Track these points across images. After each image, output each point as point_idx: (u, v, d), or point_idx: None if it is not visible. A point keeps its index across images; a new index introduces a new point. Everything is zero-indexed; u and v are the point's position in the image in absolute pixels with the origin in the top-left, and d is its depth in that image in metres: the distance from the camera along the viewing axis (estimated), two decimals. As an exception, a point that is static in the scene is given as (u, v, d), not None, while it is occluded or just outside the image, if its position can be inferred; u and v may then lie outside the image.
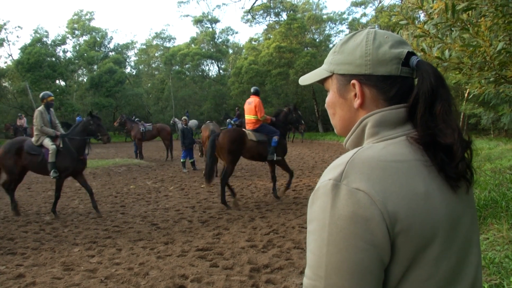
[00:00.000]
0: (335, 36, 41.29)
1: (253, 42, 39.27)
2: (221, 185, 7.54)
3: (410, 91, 0.85)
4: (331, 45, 36.06)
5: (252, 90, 8.27)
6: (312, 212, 0.78)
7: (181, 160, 12.93)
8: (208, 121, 12.42)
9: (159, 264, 4.57)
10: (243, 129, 8.03)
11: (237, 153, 7.72)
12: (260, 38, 39.28)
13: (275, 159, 7.72)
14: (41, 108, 7.22)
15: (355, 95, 0.89)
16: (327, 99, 0.98)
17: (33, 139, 7.18)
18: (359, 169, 0.76)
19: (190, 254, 4.90)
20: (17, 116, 24.85)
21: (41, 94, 7.39)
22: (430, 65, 0.85)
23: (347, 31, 34.67)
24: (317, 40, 35.36)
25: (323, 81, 0.98)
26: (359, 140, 0.90)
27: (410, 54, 0.87)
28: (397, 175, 0.75)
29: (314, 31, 35.87)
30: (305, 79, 1.05)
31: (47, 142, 7.07)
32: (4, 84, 37.30)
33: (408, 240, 0.72)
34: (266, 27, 37.04)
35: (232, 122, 17.98)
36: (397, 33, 2.96)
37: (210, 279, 4.07)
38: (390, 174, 0.75)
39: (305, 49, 32.67)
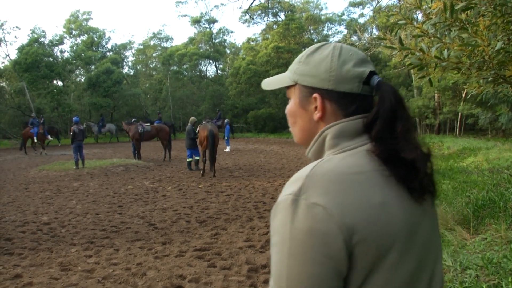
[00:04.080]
0: (333, 36, 41.34)
1: (251, 42, 39.30)
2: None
3: (369, 108, 0.89)
4: (329, 45, 36.14)
5: None
6: (274, 225, 0.81)
7: (187, 160, 12.94)
8: (204, 121, 12.37)
9: (157, 265, 4.56)
10: None
11: None
12: (258, 38, 39.32)
13: None
14: None
15: (316, 107, 0.91)
16: (288, 107, 0.99)
17: None
18: (318, 183, 0.78)
19: (188, 254, 4.89)
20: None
21: None
22: (390, 85, 0.88)
23: (345, 31, 34.74)
24: (315, 40, 35.40)
25: (286, 88, 1.00)
26: (320, 151, 0.92)
27: (372, 73, 0.90)
28: (354, 188, 0.78)
29: (312, 31, 35.94)
30: (269, 84, 1.07)
31: None
32: (1, 84, 37.15)
33: (366, 249, 0.75)
34: (264, 26, 37.09)
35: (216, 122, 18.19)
36: (396, 34, 2.97)
37: (208, 279, 4.06)
38: (348, 187, 0.77)
39: (303, 49, 32.70)
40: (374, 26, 28.29)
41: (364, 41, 26.21)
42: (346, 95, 0.89)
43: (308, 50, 0.96)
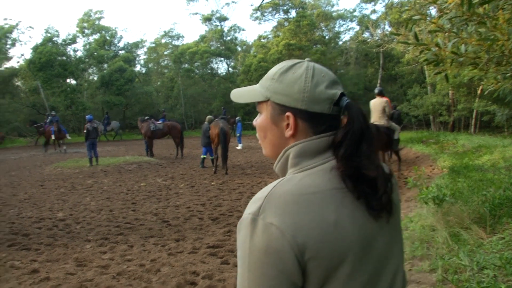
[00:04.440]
0: (345, 33, 41.16)
1: (262, 40, 39.19)
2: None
3: (336, 127, 0.94)
4: (340, 42, 35.92)
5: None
6: (238, 240, 0.88)
7: (201, 157, 12.97)
8: (216, 119, 12.39)
9: (171, 261, 4.58)
10: None
11: None
12: (269, 36, 39.17)
13: None
14: None
15: (287, 125, 0.95)
16: (259, 121, 1.02)
17: None
18: (275, 204, 0.84)
19: (201, 251, 4.91)
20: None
21: None
22: (358, 107, 0.94)
23: (357, 28, 34.44)
24: (327, 37, 35.22)
25: (256, 102, 1.03)
26: (284, 168, 0.97)
27: (341, 95, 0.95)
28: (309, 208, 0.83)
29: (323, 28, 35.71)
30: (239, 96, 1.09)
31: None
32: (16, 84, 37.67)
33: (318, 264, 0.81)
34: (275, 24, 36.96)
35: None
36: (410, 29, 2.93)
37: (221, 276, 4.08)
38: (303, 207, 0.83)
39: (315, 46, 32.56)
40: (386, 22, 27.99)
41: (377, 38, 26.01)
42: (318, 115, 0.93)
43: (280, 67, 0.98)
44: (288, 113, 0.94)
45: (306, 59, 1.00)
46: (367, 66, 33.65)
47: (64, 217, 6.87)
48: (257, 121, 1.03)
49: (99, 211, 7.27)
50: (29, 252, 5.08)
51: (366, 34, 30.04)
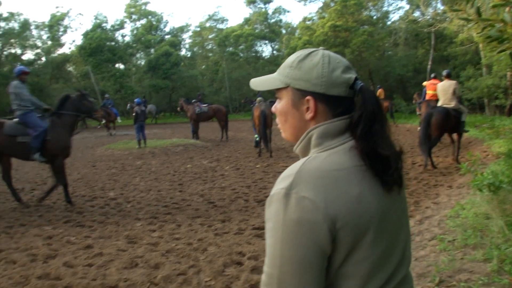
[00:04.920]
0: (394, 13, 39.67)
1: (307, 22, 38.49)
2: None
3: (351, 110, 1.02)
4: (389, 23, 34.61)
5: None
6: (268, 213, 0.95)
7: (255, 137, 12.95)
8: (257, 102, 12.42)
9: (217, 241, 4.65)
10: None
11: None
12: (315, 17, 38.35)
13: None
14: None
15: (307, 108, 1.03)
16: (279, 107, 1.11)
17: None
18: (306, 179, 0.92)
19: (246, 233, 4.95)
20: None
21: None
22: (371, 90, 1.03)
23: (407, 7, 33.05)
24: (375, 17, 33.99)
25: (275, 89, 1.11)
26: (306, 148, 1.05)
27: (355, 79, 1.03)
28: (336, 183, 0.92)
29: (371, 8, 34.51)
30: (259, 84, 1.18)
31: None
32: (69, 69, 39.31)
33: (347, 234, 0.90)
34: (321, 5, 36.11)
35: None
36: (472, 4, 2.74)
37: (267, 257, 4.09)
38: (331, 182, 0.92)
39: (362, 27, 31.59)
40: (438, 1, 26.67)
41: (428, 17, 24.90)
42: (335, 98, 1.02)
43: (298, 56, 1.07)
44: (308, 97, 1.02)
45: (320, 47, 1.09)
46: (417, 47, 32.24)
47: (115, 196, 7.14)
48: (278, 106, 1.11)
49: (148, 191, 7.51)
50: (83, 229, 5.32)
51: (417, 13, 28.79)
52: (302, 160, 0.98)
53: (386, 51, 33.16)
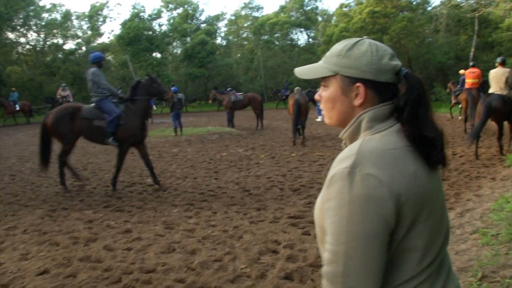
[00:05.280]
0: (435, -3, 38.04)
1: (344, 8, 37.69)
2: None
3: (395, 95, 1.09)
4: (430, 8, 33.38)
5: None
6: (330, 193, 0.99)
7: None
8: (303, 91, 12.51)
9: (252, 229, 4.66)
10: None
11: None
12: (352, 4, 37.48)
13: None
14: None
15: (356, 94, 1.08)
16: (326, 94, 1.15)
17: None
18: (367, 158, 0.97)
19: (282, 221, 4.93)
20: (59, 87, 21.48)
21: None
22: (416, 76, 1.08)
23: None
24: (414, 2, 32.86)
25: (322, 78, 1.15)
26: (356, 133, 1.10)
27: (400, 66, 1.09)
28: (395, 160, 0.98)
29: (411, -7, 33.35)
30: (303, 73, 1.22)
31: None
32: (108, 58, 40.30)
33: (408, 208, 0.96)
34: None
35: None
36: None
37: (302, 247, 4.06)
38: (391, 160, 0.97)
39: (401, 13, 30.61)
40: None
41: (471, 1, 23.83)
42: (383, 84, 1.07)
43: (345, 45, 1.11)
44: (358, 84, 1.07)
45: (365, 37, 1.14)
46: (459, 33, 30.99)
47: (153, 182, 7.27)
48: (323, 94, 1.16)
49: (184, 178, 7.61)
50: (122, 214, 5.46)
51: (459, -1, 27.60)
52: (358, 142, 1.04)
53: (426, 38, 32.06)
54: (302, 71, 1.23)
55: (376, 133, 1.04)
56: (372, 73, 1.06)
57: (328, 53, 1.15)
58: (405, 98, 1.05)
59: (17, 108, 22.58)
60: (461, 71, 14.63)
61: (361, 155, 0.97)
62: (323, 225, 1.05)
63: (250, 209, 5.53)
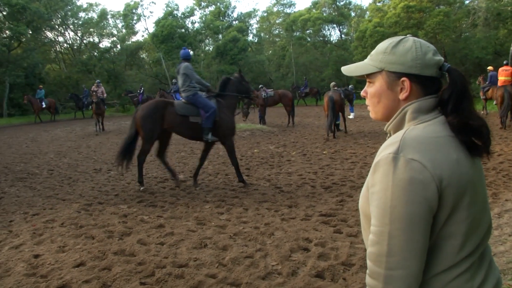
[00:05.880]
0: (474, -10, 36.76)
1: (378, 3, 36.97)
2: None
3: (439, 89, 1.14)
4: (467, 2, 32.27)
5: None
6: (375, 178, 1.05)
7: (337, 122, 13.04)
8: (331, 89, 12.56)
9: (284, 226, 4.64)
10: None
11: None
12: (386, -2, 36.80)
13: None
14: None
15: (401, 89, 1.14)
16: (373, 89, 1.20)
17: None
18: (411, 144, 1.02)
19: (313, 219, 4.89)
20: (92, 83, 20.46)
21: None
22: (458, 70, 1.13)
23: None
24: (452, -4, 31.87)
25: (367, 75, 1.21)
26: (400, 124, 1.15)
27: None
28: (438, 147, 1.03)
29: (448, -14, 32.35)
30: (350, 71, 1.28)
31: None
32: (142, 56, 41.11)
33: (450, 193, 1.00)
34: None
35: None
36: None
37: (334, 245, 4.02)
38: (433, 147, 1.02)
39: (437, 7, 29.74)
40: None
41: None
42: (428, 78, 1.12)
43: (390, 42, 1.17)
44: (403, 78, 1.13)
45: (408, 35, 1.20)
46: (499, 28, 29.81)
47: (185, 178, 7.37)
48: (370, 90, 1.21)
49: (215, 175, 7.67)
50: (156, 209, 5.55)
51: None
52: (402, 131, 1.09)
53: (463, 33, 31.02)
54: (350, 69, 1.29)
55: (420, 124, 1.10)
56: (417, 67, 1.11)
57: (373, 52, 1.21)
58: (449, 91, 1.10)
59: (44, 106, 22.90)
60: (489, 68, 15.64)
61: (405, 141, 1.03)
62: (368, 213, 1.11)
63: (282, 206, 5.51)
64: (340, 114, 13.00)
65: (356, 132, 13.60)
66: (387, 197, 1.00)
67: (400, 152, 1.01)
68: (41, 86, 23.99)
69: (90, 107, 17.22)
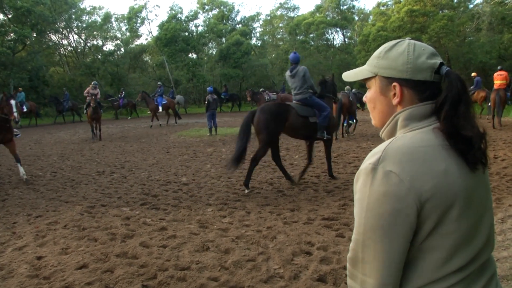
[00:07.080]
0: (478, -5, 36.79)
1: (381, 7, 37.03)
2: None
3: (438, 93, 1.08)
4: (471, 6, 32.29)
5: None
6: (356, 187, 1.05)
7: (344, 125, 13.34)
8: (344, 91, 12.82)
9: (286, 230, 4.64)
10: None
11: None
12: (389, 2, 36.83)
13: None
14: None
15: (394, 94, 1.11)
16: (368, 95, 1.20)
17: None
18: (392, 155, 0.99)
19: (316, 223, 4.89)
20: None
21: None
22: (456, 74, 1.06)
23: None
24: (455, 0, 31.89)
25: (365, 80, 1.20)
26: (393, 131, 1.13)
27: (441, 64, 1.09)
28: (423, 158, 0.98)
29: (452, -9, 32.34)
30: (349, 76, 1.28)
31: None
32: (145, 59, 41.24)
33: (433, 205, 0.96)
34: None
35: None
36: None
37: (336, 249, 4.02)
38: (418, 157, 0.98)
39: (441, 11, 29.74)
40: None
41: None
42: (421, 83, 1.08)
43: (385, 47, 1.15)
44: (394, 83, 1.10)
45: (407, 38, 1.17)
46: (503, 32, 29.78)
47: (188, 181, 7.38)
48: (367, 95, 1.20)
49: (218, 178, 7.67)
50: (158, 211, 5.56)
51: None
52: (389, 140, 1.07)
53: (467, 37, 31.02)
54: (349, 75, 1.28)
55: (410, 132, 1.07)
56: (407, 72, 1.08)
57: (371, 56, 1.20)
58: (444, 95, 1.05)
59: (25, 110, 20.67)
60: (473, 74, 17.15)
61: (387, 152, 1.01)
62: None
63: (284, 209, 5.51)
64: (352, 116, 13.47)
65: (359, 136, 13.59)
66: (363, 207, 1.01)
67: (380, 164, 0.99)
68: (20, 88, 22.14)
69: (85, 111, 15.56)
